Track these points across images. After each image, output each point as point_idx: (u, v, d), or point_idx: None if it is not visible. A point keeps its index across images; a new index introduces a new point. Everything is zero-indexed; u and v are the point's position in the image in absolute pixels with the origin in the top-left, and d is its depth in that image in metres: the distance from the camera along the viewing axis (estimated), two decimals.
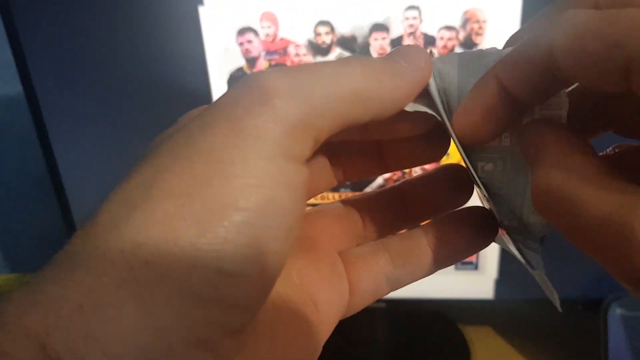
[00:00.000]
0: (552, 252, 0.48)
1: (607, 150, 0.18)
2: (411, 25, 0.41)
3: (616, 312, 0.44)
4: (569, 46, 0.13)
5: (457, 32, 0.41)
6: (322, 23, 0.41)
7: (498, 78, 0.16)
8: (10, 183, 0.67)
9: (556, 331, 0.55)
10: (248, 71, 0.43)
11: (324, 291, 0.18)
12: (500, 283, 0.48)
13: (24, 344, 0.11)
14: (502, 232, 0.19)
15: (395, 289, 0.19)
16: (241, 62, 0.43)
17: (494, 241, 0.19)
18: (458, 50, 0.41)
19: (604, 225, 0.13)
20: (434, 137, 0.18)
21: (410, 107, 0.16)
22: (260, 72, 0.14)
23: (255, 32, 0.42)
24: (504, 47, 0.18)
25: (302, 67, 0.14)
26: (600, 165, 0.14)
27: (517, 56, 0.16)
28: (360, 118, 0.15)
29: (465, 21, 0.40)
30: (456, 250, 0.19)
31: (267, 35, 0.42)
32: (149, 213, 0.12)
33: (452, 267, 0.47)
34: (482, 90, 0.16)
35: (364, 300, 0.19)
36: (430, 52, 0.18)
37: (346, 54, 0.42)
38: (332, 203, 0.21)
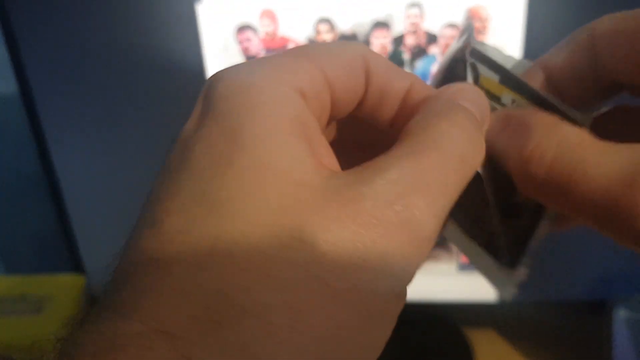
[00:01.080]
0: (554, 254, 0.47)
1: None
2: (413, 24, 0.40)
3: (620, 314, 0.44)
4: (609, 28, 0.15)
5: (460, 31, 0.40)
6: (323, 21, 0.41)
7: (545, 68, 0.17)
8: (5, 183, 0.66)
9: (561, 334, 0.55)
10: None
11: None
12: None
13: None
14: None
15: None
16: (240, 61, 0.43)
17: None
18: None
19: (613, 186, 0.12)
20: None
21: None
22: (401, 200, 0.12)
23: (255, 30, 0.41)
24: None
25: (433, 186, 0.13)
26: (588, 133, 0.14)
27: (559, 49, 0.17)
28: None
29: (468, 19, 0.40)
30: None
31: (267, 33, 0.41)
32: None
33: (455, 269, 0.47)
34: (529, 81, 0.17)
35: None
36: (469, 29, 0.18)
37: None
38: None
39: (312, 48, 0.15)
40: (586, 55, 0.16)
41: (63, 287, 0.46)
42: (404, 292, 0.13)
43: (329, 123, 0.16)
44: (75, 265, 0.52)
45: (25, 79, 0.45)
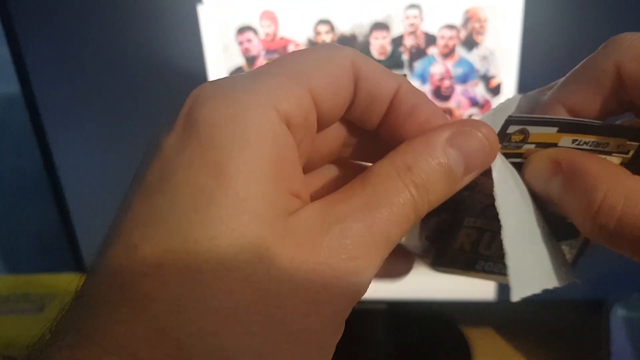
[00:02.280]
0: None
1: None
2: (412, 24, 0.41)
3: (618, 313, 0.44)
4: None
5: (458, 31, 0.40)
6: (322, 22, 0.41)
7: (562, 104, 0.17)
8: (7, 183, 0.66)
9: (558, 332, 0.55)
10: (247, 70, 0.43)
11: None
12: (501, 284, 0.48)
13: None
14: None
15: None
16: (240, 61, 0.43)
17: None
18: (459, 49, 0.41)
19: None
20: None
21: None
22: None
23: (255, 31, 0.42)
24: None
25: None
26: None
27: (579, 81, 0.16)
28: None
29: (466, 20, 0.40)
30: None
31: (267, 34, 0.42)
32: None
33: None
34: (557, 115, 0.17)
35: None
36: None
37: None
38: None
39: (298, 62, 0.15)
40: (615, 97, 0.16)
41: (65, 286, 0.47)
42: (342, 325, 0.14)
43: (318, 130, 0.16)
44: (77, 264, 0.52)
45: (27, 80, 0.45)
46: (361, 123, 0.17)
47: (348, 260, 0.14)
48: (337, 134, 0.18)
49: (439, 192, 0.15)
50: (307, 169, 0.17)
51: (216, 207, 0.13)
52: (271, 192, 0.13)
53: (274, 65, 0.15)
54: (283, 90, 0.14)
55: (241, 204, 0.13)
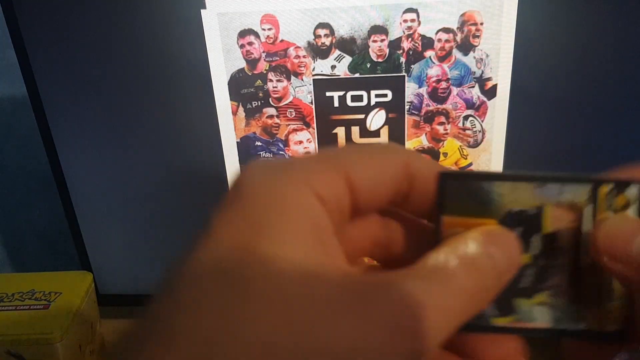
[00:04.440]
0: None
1: None
2: (409, 28, 0.41)
3: None
4: None
5: (455, 35, 0.41)
6: (322, 25, 0.42)
7: None
8: (14, 183, 0.67)
9: None
10: (249, 72, 0.44)
11: None
12: None
13: None
14: None
15: None
16: (242, 64, 0.44)
17: None
18: (455, 52, 0.42)
19: None
20: None
21: None
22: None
23: (256, 35, 0.42)
24: None
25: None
26: None
27: None
28: None
29: (463, 23, 0.41)
30: None
31: (268, 37, 0.42)
32: None
33: None
34: None
35: None
36: None
37: (345, 55, 0.43)
38: None
39: (342, 153, 0.16)
40: None
41: (70, 283, 0.47)
42: None
43: (362, 214, 0.17)
44: (82, 262, 0.53)
45: (33, 82, 0.46)
46: (417, 214, 0.18)
47: (408, 325, 0.13)
48: (369, 232, 0.18)
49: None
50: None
51: (256, 259, 0.14)
52: (309, 249, 0.14)
53: (318, 152, 0.17)
54: (317, 173, 0.15)
55: (284, 258, 0.14)
